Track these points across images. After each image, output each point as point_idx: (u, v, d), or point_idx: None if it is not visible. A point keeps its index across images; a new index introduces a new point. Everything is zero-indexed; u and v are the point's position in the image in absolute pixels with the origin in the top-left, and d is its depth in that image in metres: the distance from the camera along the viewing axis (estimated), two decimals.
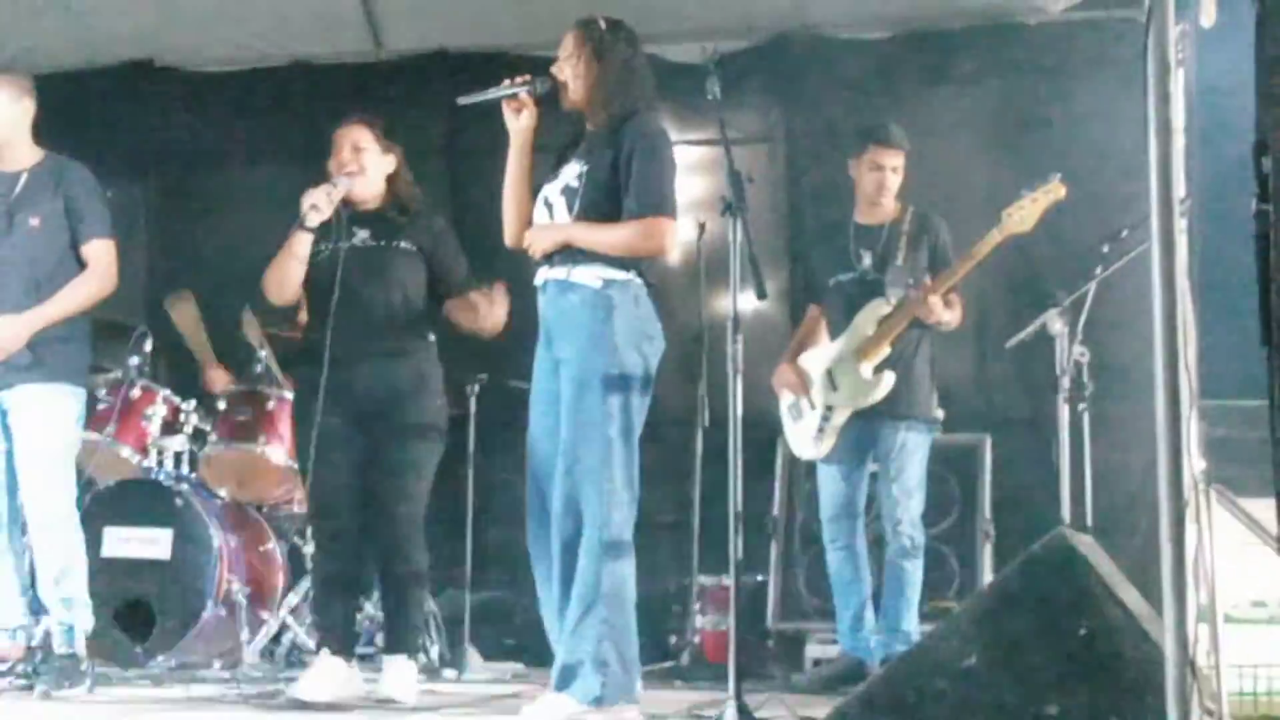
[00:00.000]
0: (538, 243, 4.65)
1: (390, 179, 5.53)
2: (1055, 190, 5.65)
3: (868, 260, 5.97)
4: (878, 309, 5.83)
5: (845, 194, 6.26)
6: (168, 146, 8.17)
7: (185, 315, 7.02)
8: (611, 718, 4.43)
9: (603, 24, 4.73)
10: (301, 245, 5.31)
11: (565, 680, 4.45)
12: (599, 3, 7.12)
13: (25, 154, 5.55)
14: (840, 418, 5.82)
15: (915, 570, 5.84)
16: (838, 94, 7.60)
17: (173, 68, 8.20)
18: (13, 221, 5.44)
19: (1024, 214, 5.65)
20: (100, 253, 5.53)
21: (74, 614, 5.39)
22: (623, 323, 4.52)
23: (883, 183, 6.00)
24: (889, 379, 5.74)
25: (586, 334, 4.53)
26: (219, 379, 6.72)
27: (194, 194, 8.14)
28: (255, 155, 8.23)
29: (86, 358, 5.63)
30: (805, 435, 5.94)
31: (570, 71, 4.70)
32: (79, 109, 7.53)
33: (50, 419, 5.42)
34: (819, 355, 5.96)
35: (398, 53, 8.08)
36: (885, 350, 5.76)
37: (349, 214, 5.41)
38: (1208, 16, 4.15)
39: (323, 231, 5.32)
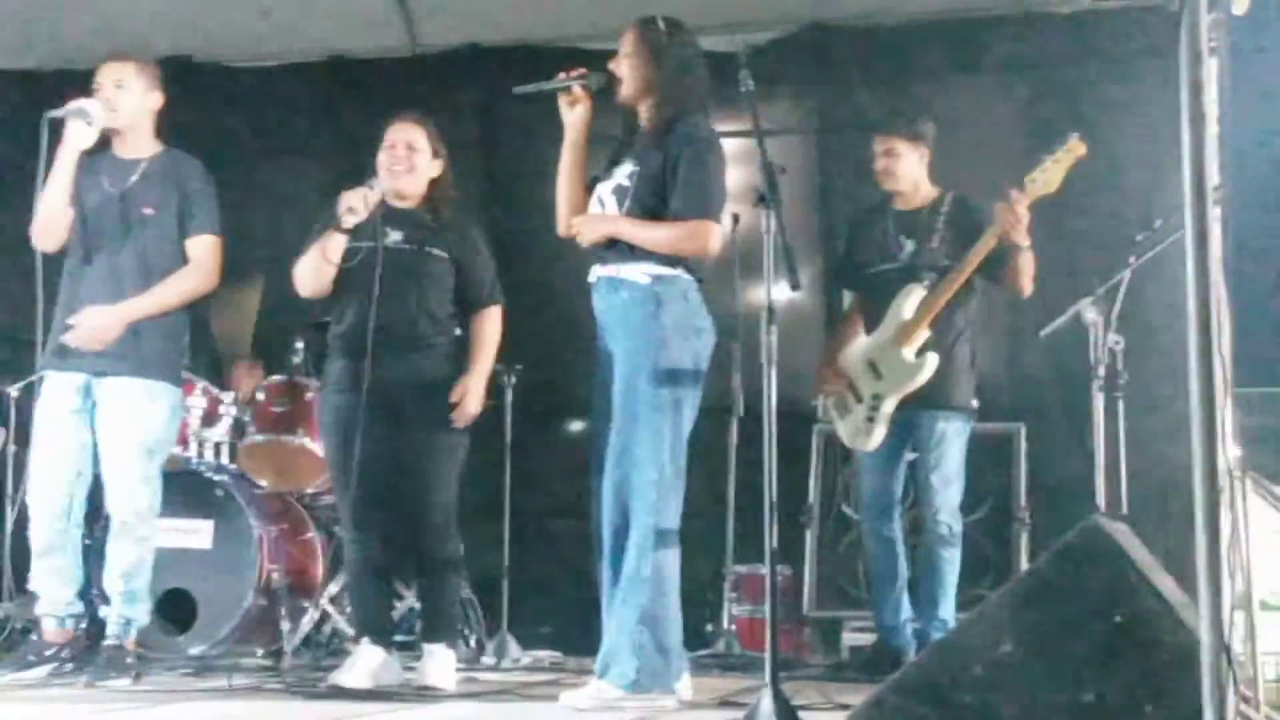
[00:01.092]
0: (586, 231, 4.75)
1: (433, 183, 5.58)
2: (1075, 148, 5.60)
3: (910, 247, 5.96)
4: (914, 293, 5.81)
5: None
6: (205, 141, 8.16)
7: (245, 384, 7.07)
8: (646, 704, 4.48)
9: (662, 24, 4.78)
10: (336, 246, 5.37)
11: (605, 666, 4.52)
12: None
13: (146, 144, 5.61)
14: (889, 405, 5.79)
15: (953, 559, 5.84)
16: (870, 84, 7.61)
17: (210, 63, 8.25)
18: (128, 208, 5.48)
19: (1047, 176, 5.62)
20: (204, 248, 5.57)
21: (135, 609, 5.46)
22: (671, 317, 4.63)
23: (886, 168, 6.03)
24: (933, 360, 5.70)
25: (636, 329, 4.65)
26: (254, 371, 6.75)
27: (231, 188, 8.14)
28: (291, 149, 8.29)
29: (184, 355, 5.66)
30: (855, 428, 5.91)
31: (627, 68, 4.79)
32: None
33: (139, 414, 5.44)
34: (859, 348, 5.94)
35: (432, 48, 8.11)
36: (925, 333, 5.73)
37: (385, 210, 5.46)
38: (1240, 4, 4.15)
39: (356, 229, 5.37)
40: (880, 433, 5.84)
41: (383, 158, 5.50)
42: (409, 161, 5.51)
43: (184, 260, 5.53)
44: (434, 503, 5.43)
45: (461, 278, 5.56)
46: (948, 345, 5.84)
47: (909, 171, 6.03)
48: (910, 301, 5.79)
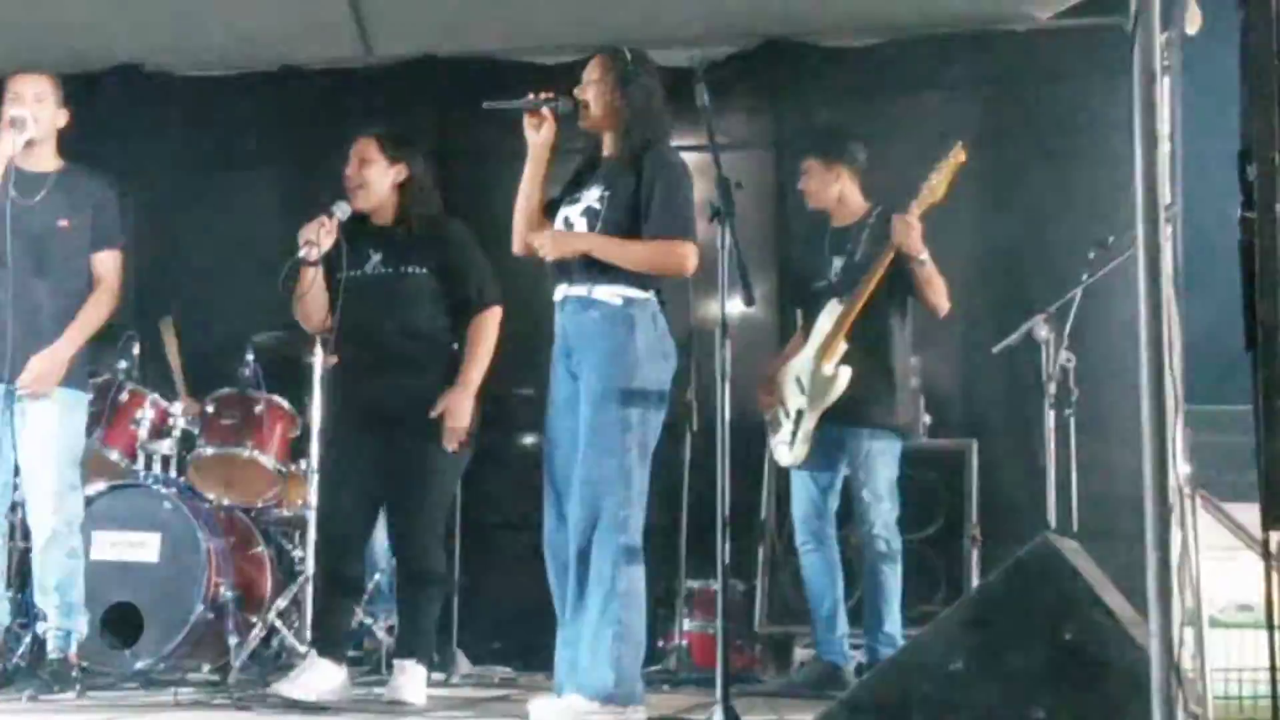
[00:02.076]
0: (557, 248, 4.72)
1: (400, 188, 5.56)
2: (957, 155, 5.76)
3: (838, 263, 6.00)
4: (833, 309, 5.86)
5: None
6: (157, 151, 8.15)
7: (169, 340, 7.04)
8: (620, 717, 4.49)
9: (628, 55, 4.81)
10: (306, 279, 5.39)
11: (577, 678, 4.52)
12: (590, 9, 7.19)
13: (51, 159, 5.61)
14: (810, 421, 5.83)
15: (893, 574, 5.84)
16: (826, 100, 7.63)
17: (162, 72, 8.21)
18: (40, 222, 5.48)
19: (933, 186, 5.73)
20: (111, 264, 5.62)
21: (74, 620, 5.44)
22: (643, 340, 4.65)
23: (804, 188, 6.15)
24: (845, 373, 5.74)
25: (607, 350, 4.64)
26: (189, 408, 6.70)
27: (183, 198, 8.12)
28: (244, 159, 8.22)
29: (87, 364, 5.70)
30: (782, 443, 5.96)
31: (593, 95, 4.81)
32: (69, 113, 7.54)
33: (63, 423, 5.47)
34: (792, 365, 5.99)
35: (387, 58, 8.08)
36: (842, 346, 5.77)
37: (365, 232, 5.51)
38: (1193, 23, 4.17)
39: (340, 256, 5.40)
40: (803, 449, 5.88)
41: (345, 179, 5.53)
42: (360, 177, 5.51)
43: (89, 273, 5.57)
44: (420, 521, 5.45)
45: (449, 286, 5.54)
46: (874, 362, 5.84)
47: (826, 191, 6.11)
48: (830, 317, 5.85)
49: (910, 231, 5.69)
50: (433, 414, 5.38)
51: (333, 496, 5.55)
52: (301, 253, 5.33)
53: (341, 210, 5.41)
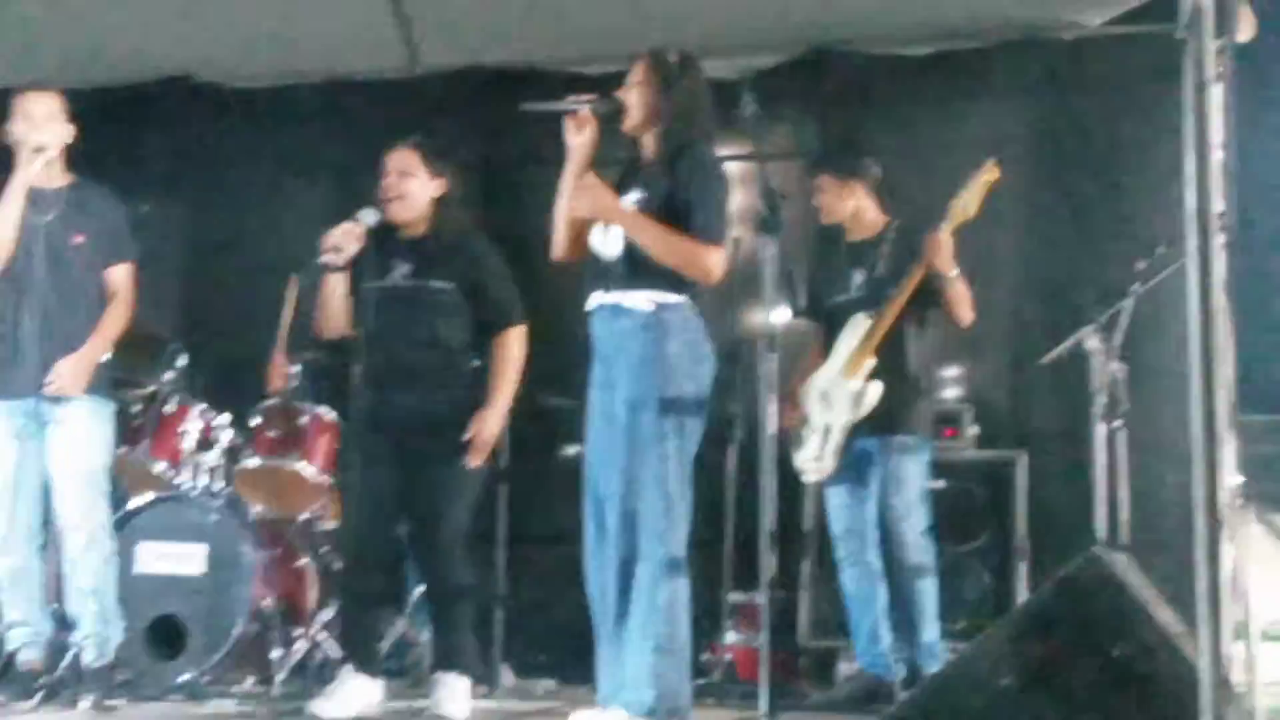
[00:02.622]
0: (592, 201, 4.69)
1: (437, 202, 5.56)
2: (990, 172, 5.73)
3: (858, 278, 5.99)
4: (860, 323, 5.84)
5: None
6: (204, 161, 8.21)
7: (290, 298, 6.96)
8: None
9: (674, 57, 4.77)
10: (333, 286, 5.42)
11: (619, 693, 4.49)
12: (636, 19, 7.17)
13: (61, 174, 5.67)
14: (838, 436, 5.82)
15: (927, 584, 5.81)
16: (871, 110, 7.60)
17: (210, 84, 8.26)
18: (57, 238, 5.55)
19: (964, 202, 5.71)
20: (126, 277, 5.72)
21: (111, 626, 5.51)
22: (676, 346, 4.59)
23: (819, 203, 6.13)
24: (876, 387, 5.73)
25: (640, 357, 4.59)
26: (282, 365, 6.68)
27: (230, 209, 8.16)
28: (291, 170, 8.25)
29: (111, 373, 5.77)
30: (809, 459, 5.93)
31: (636, 97, 4.76)
32: (117, 124, 7.60)
33: (92, 431, 5.58)
34: (814, 380, 5.97)
35: (433, 69, 8.09)
36: (870, 361, 5.75)
37: (393, 242, 5.49)
38: (1245, 31, 4.12)
39: (367, 264, 5.39)
40: (832, 463, 5.86)
41: (380, 188, 5.51)
42: (400, 188, 5.50)
43: (102, 287, 5.66)
44: (444, 535, 5.43)
45: (475, 304, 5.54)
46: (899, 374, 5.82)
47: (839, 206, 6.09)
48: (856, 332, 5.83)
49: (941, 249, 5.66)
50: (464, 437, 5.38)
51: (352, 509, 5.54)
52: (326, 258, 5.33)
53: (370, 218, 5.39)
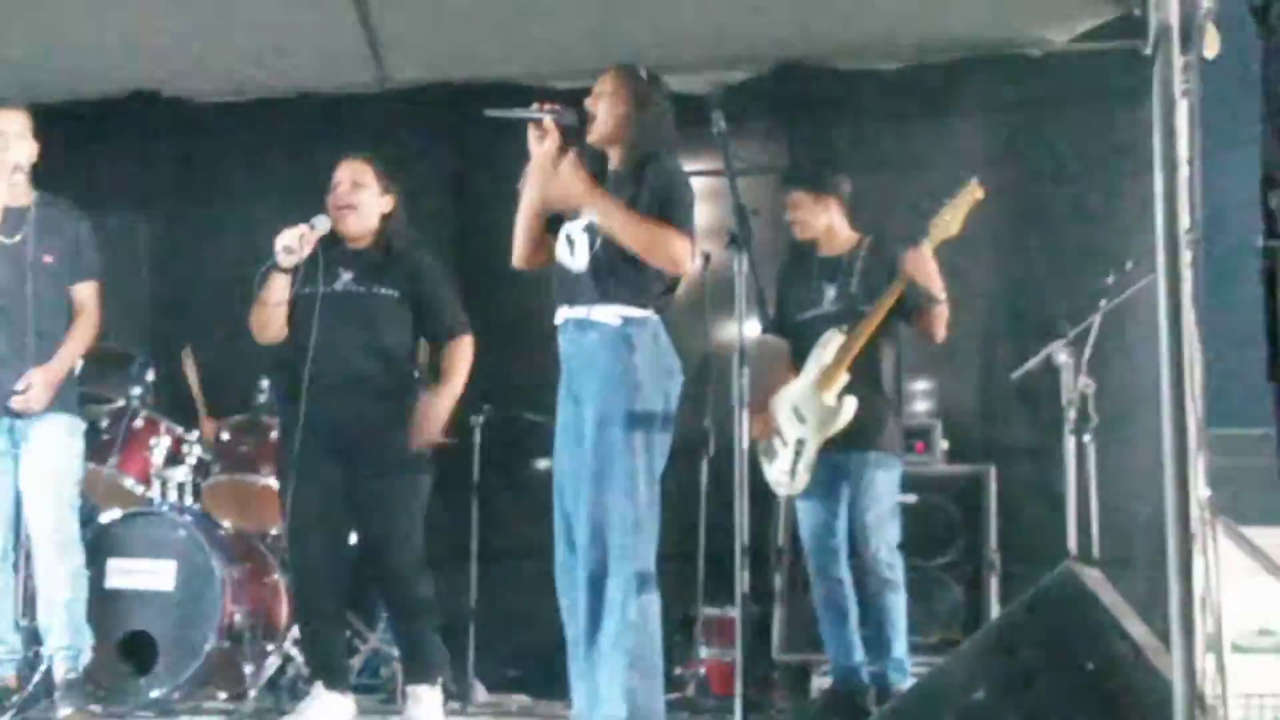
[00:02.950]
0: (564, 180, 4.63)
1: (384, 219, 5.55)
2: (973, 191, 5.66)
3: (830, 293, 5.98)
4: (833, 338, 5.82)
5: None
6: (171, 177, 8.18)
7: (190, 368, 7.03)
8: None
9: (644, 73, 4.77)
10: (276, 287, 5.39)
11: (592, 707, 4.48)
12: (605, 35, 7.18)
13: (27, 192, 5.62)
14: (812, 450, 5.80)
15: (897, 598, 5.80)
16: (840, 126, 7.61)
17: (177, 99, 8.22)
18: (25, 256, 5.50)
19: (946, 220, 5.65)
20: (93, 294, 5.72)
21: (82, 638, 5.49)
22: (644, 360, 4.57)
23: (792, 218, 6.10)
24: (851, 403, 5.71)
25: (608, 372, 4.57)
26: (208, 429, 6.69)
27: (196, 224, 8.13)
28: (258, 186, 8.20)
29: (78, 388, 5.77)
30: (781, 472, 5.92)
31: (604, 109, 4.74)
32: (83, 138, 7.56)
33: (64, 446, 5.58)
34: (785, 394, 5.96)
35: (402, 84, 8.08)
36: (844, 377, 5.74)
37: (338, 251, 5.46)
38: (1211, 48, 4.15)
39: (309, 271, 5.36)
40: (805, 477, 5.84)
41: (330, 198, 5.49)
42: (352, 199, 5.49)
43: (68, 304, 5.65)
44: (396, 547, 5.39)
45: (419, 314, 5.52)
46: (872, 388, 5.82)
47: (814, 221, 6.06)
48: (830, 347, 5.81)
49: (923, 264, 5.65)
50: (413, 418, 5.35)
51: (297, 523, 5.41)
52: (279, 259, 5.30)
53: (323, 224, 5.39)
